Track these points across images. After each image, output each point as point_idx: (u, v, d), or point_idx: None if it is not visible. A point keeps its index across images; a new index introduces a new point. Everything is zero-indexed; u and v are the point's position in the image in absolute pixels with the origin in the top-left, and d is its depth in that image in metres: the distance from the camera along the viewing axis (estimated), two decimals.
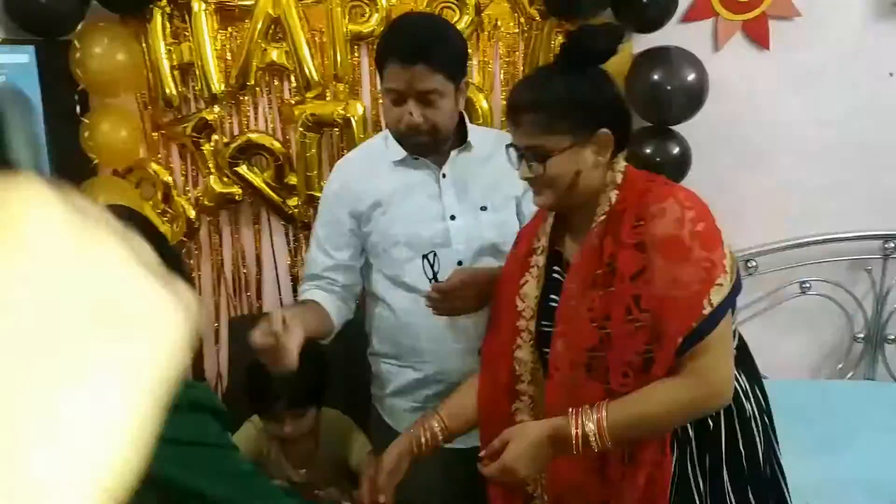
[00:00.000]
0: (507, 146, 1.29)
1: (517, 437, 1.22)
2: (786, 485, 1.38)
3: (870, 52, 2.26)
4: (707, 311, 1.14)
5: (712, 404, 1.22)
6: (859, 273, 2.40)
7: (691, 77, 2.11)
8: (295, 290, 2.47)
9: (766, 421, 1.35)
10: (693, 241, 1.14)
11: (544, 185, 1.25)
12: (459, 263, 1.58)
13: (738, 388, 1.28)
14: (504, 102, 2.26)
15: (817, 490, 1.91)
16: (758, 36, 2.26)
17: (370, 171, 1.63)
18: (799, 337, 2.48)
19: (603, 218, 1.22)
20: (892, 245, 2.34)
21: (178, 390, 0.91)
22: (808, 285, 2.39)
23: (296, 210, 2.35)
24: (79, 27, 2.16)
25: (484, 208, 1.60)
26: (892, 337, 2.43)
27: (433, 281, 1.49)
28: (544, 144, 1.22)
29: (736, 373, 1.26)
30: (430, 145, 1.56)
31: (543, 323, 1.32)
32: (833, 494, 1.94)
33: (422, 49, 1.45)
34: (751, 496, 1.28)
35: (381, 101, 2.23)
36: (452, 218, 1.59)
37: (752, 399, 1.31)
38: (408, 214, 1.59)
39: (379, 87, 2.12)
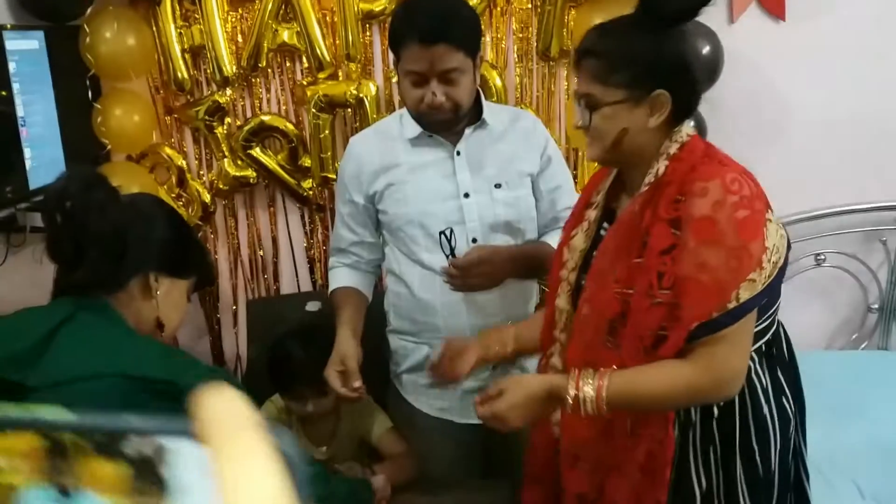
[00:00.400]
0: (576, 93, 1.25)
1: (514, 387, 1.23)
2: (808, 496, 1.35)
3: (886, 21, 2.23)
4: (732, 305, 1.10)
5: (715, 395, 1.19)
6: (874, 244, 2.40)
7: (706, 50, 2.10)
8: (312, 272, 2.49)
9: (791, 428, 1.29)
10: (728, 227, 1.09)
11: (592, 136, 1.21)
12: (474, 241, 1.59)
13: (759, 386, 1.23)
14: (517, 79, 2.27)
15: (831, 457, 1.93)
16: (773, 7, 2.23)
17: (384, 151, 1.63)
18: (814, 308, 2.49)
19: (647, 188, 1.18)
20: None
21: (200, 375, 0.92)
22: (822, 257, 2.39)
23: (310, 192, 2.35)
24: (88, 11, 2.14)
25: (498, 185, 1.60)
26: None
27: (450, 257, 1.51)
28: (596, 94, 1.18)
29: (760, 371, 1.23)
30: (452, 122, 1.57)
31: (584, 276, 1.31)
32: (846, 461, 1.96)
33: (442, 28, 1.44)
34: (762, 498, 1.25)
35: (394, 79, 2.22)
36: (466, 196, 1.59)
37: (773, 402, 1.26)
38: (421, 193, 1.59)
39: (391, 66, 2.12)
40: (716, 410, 1.23)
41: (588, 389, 1.15)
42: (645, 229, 1.16)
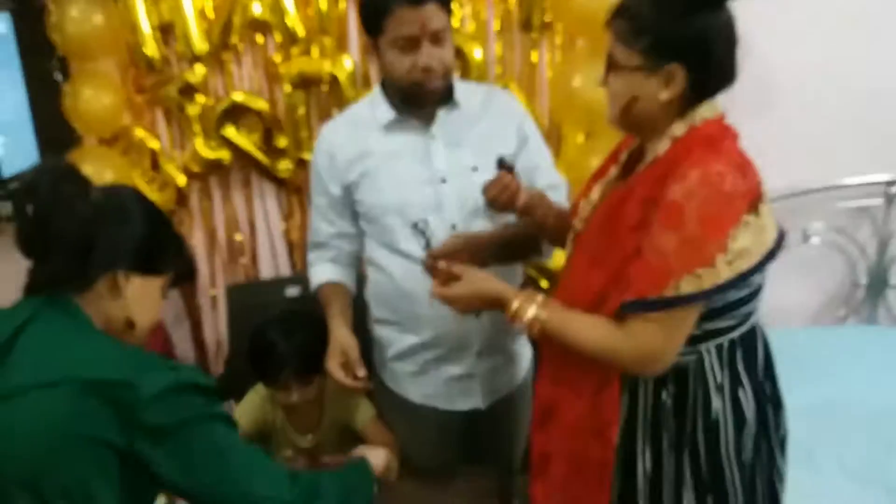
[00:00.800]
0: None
1: (468, 280, 1.30)
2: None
3: None
4: (670, 293, 1.10)
5: (633, 368, 1.20)
6: (862, 219, 2.37)
7: None
8: (291, 255, 2.44)
9: (746, 430, 1.25)
10: (692, 217, 1.08)
11: (609, 97, 1.21)
12: (453, 227, 1.54)
13: (713, 381, 1.22)
14: (498, 53, 2.21)
15: (817, 435, 1.91)
16: None
17: (356, 139, 1.57)
18: (801, 284, 2.46)
19: (644, 167, 1.19)
20: (895, 190, 2.30)
21: (159, 376, 0.88)
22: (809, 232, 2.36)
23: (287, 174, 2.30)
24: None
25: (475, 169, 1.54)
26: (895, 282, 2.41)
27: (427, 248, 1.46)
28: (615, 55, 1.17)
29: (717, 367, 1.22)
30: (443, 90, 1.52)
31: None
32: (831, 438, 1.95)
33: None
34: (707, 500, 1.24)
35: (370, 54, 2.16)
36: (444, 181, 1.54)
37: (726, 399, 1.23)
38: (397, 181, 1.54)
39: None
40: (667, 398, 1.22)
41: (529, 311, 1.22)
42: (621, 205, 1.17)
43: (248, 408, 1.88)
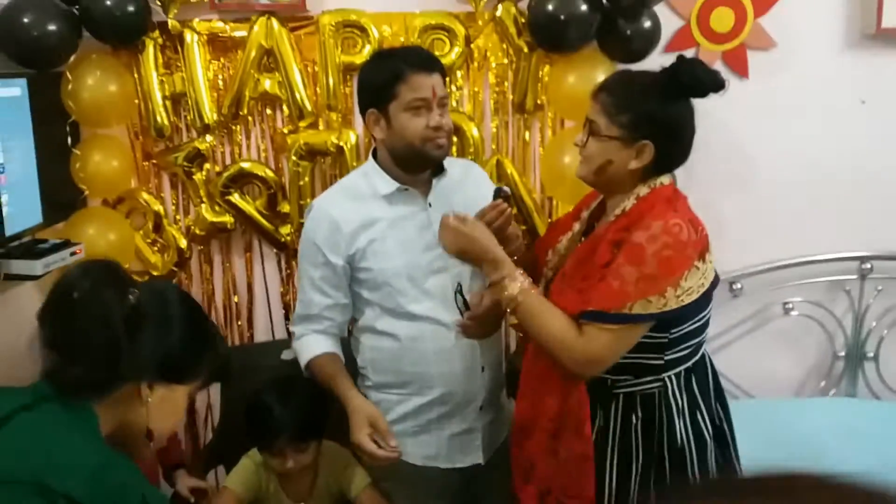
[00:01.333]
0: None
1: (471, 229, 1.42)
2: None
3: (842, 80, 2.36)
4: (624, 310, 1.30)
5: (574, 366, 1.36)
6: (838, 293, 2.48)
7: None
8: (287, 319, 2.48)
9: (709, 452, 1.43)
10: (653, 259, 1.28)
11: (584, 156, 1.41)
12: (459, 286, 1.62)
13: (675, 405, 1.40)
14: (493, 131, 2.34)
15: None
16: (737, 65, 2.35)
17: (359, 209, 1.65)
18: (783, 356, 2.55)
19: (613, 219, 1.38)
20: (868, 266, 2.42)
21: None
22: (790, 305, 2.46)
23: (288, 238, 2.36)
24: (72, 59, 2.17)
25: None
26: (871, 354, 2.50)
27: (465, 310, 1.56)
28: (598, 122, 1.37)
29: (678, 392, 1.41)
30: (448, 152, 1.66)
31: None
32: None
33: (434, 60, 1.64)
34: None
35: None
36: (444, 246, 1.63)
37: (688, 420, 1.41)
38: (404, 246, 1.62)
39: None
40: (637, 422, 1.40)
41: (513, 287, 1.37)
42: (595, 247, 1.37)
43: (242, 473, 1.86)
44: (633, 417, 1.40)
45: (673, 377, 1.41)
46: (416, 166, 1.65)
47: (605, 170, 1.38)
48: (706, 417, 1.45)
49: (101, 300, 1.03)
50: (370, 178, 1.67)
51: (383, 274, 1.63)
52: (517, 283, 1.37)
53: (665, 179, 1.40)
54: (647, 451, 1.40)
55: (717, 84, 1.38)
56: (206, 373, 1.17)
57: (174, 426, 1.15)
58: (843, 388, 2.54)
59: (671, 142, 1.37)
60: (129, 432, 1.05)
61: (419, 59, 1.59)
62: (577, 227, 1.54)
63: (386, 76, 1.59)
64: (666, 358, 1.39)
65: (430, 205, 1.66)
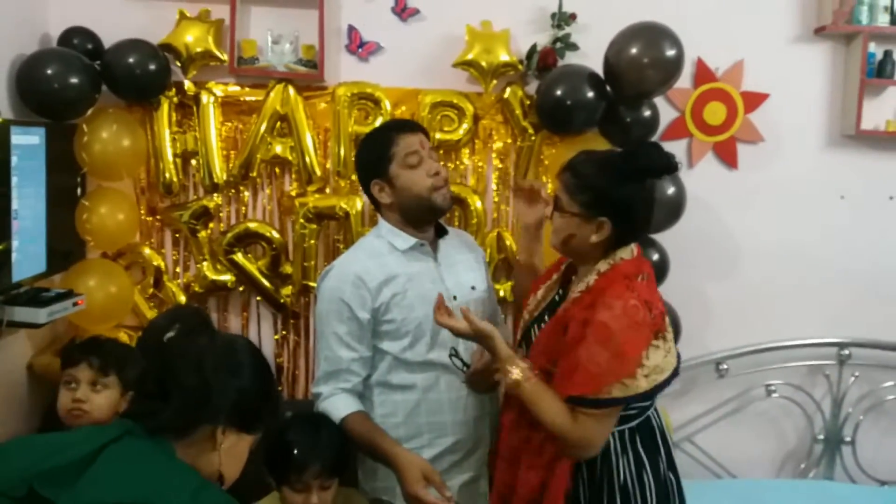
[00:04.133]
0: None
1: (483, 326, 1.49)
2: None
3: (824, 175, 2.52)
4: (604, 396, 1.40)
5: (572, 450, 1.45)
6: (818, 377, 2.57)
7: (671, 191, 2.30)
8: (279, 381, 2.47)
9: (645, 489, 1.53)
10: (617, 337, 1.38)
11: (552, 229, 1.54)
12: (453, 349, 1.71)
13: (617, 461, 1.50)
14: (495, 203, 2.42)
15: None
16: (727, 156, 2.48)
17: (381, 266, 1.73)
18: (765, 437, 2.61)
19: (578, 295, 1.49)
20: (846, 352, 2.52)
21: None
22: (772, 387, 2.54)
23: (288, 299, 2.38)
24: (89, 112, 2.20)
25: (473, 287, 1.81)
26: (848, 439, 2.58)
27: (466, 369, 1.66)
28: (561, 199, 1.50)
29: (619, 449, 1.50)
30: (450, 200, 1.78)
31: (533, 326, 1.63)
32: None
33: (415, 122, 1.89)
34: None
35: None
36: (455, 298, 1.74)
37: (633, 474, 1.51)
38: (423, 298, 1.71)
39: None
40: (581, 482, 1.50)
41: (516, 372, 1.46)
42: (566, 324, 1.47)
43: None
44: (578, 477, 1.49)
45: (616, 433, 1.50)
46: (425, 219, 1.77)
47: (569, 242, 1.51)
48: (651, 477, 1.53)
49: (193, 344, 1.09)
50: (386, 238, 1.77)
51: (406, 324, 1.71)
52: (517, 370, 1.46)
53: (625, 254, 1.50)
54: None
55: (670, 166, 1.47)
56: (268, 425, 1.21)
57: (236, 476, 1.16)
58: (822, 471, 2.61)
59: (626, 219, 1.48)
60: (201, 473, 1.08)
61: (401, 124, 1.82)
62: (554, 276, 1.67)
63: (379, 146, 1.75)
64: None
65: (439, 262, 1.79)
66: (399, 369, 1.72)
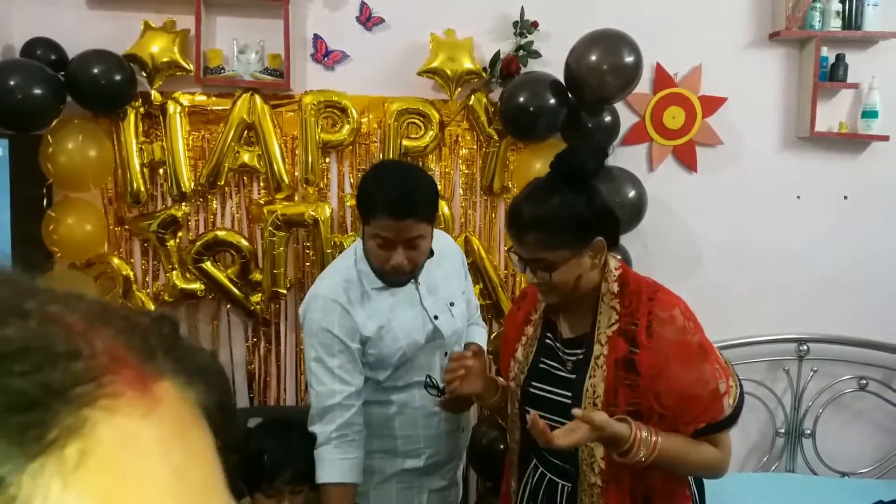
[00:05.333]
0: (508, 251, 1.44)
1: (608, 426, 1.29)
2: None
3: (780, 176, 2.59)
4: (728, 411, 1.35)
5: (721, 472, 1.42)
6: (778, 372, 2.65)
7: (632, 194, 2.35)
8: (250, 388, 2.49)
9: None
10: (699, 349, 1.34)
11: (550, 288, 1.38)
12: (428, 377, 1.72)
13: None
14: (462, 208, 2.45)
15: None
16: (686, 159, 2.55)
17: (361, 300, 1.70)
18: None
19: (614, 328, 1.37)
20: (805, 347, 2.60)
21: None
22: None
23: (258, 306, 2.40)
24: (53, 123, 2.20)
25: (452, 304, 1.78)
26: (809, 432, 2.66)
27: (441, 394, 1.66)
28: (548, 258, 1.34)
29: None
30: (411, 276, 1.70)
31: (532, 383, 1.47)
32: None
33: (410, 206, 1.56)
34: None
35: (348, 203, 2.37)
36: (436, 318, 1.73)
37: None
38: (406, 329, 1.70)
39: (345, 190, 2.37)
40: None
41: (645, 436, 1.30)
42: (625, 356, 1.35)
43: None
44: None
45: None
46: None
47: (579, 285, 1.38)
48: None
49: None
50: (360, 270, 1.71)
51: (391, 356, 1.69)
52: (642, 431, 1.31)
53: (615, 264, 1.43)
54: None
55: (602, 157, 1.40)
56: (227, 435, 1.22)
57: None
58: (784, 464, 2.68)
59: (611, 223, 1.40)
60: None
61: (394, 204, 1.56)
62: (530, 330, 1.53)
63: (364, 200, 1.62)
64: None
65: (419, 284, 1.74)
66: (378, 390, 1.74)
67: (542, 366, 1.47)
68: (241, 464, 1.76)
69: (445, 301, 1.77)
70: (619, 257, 1.47)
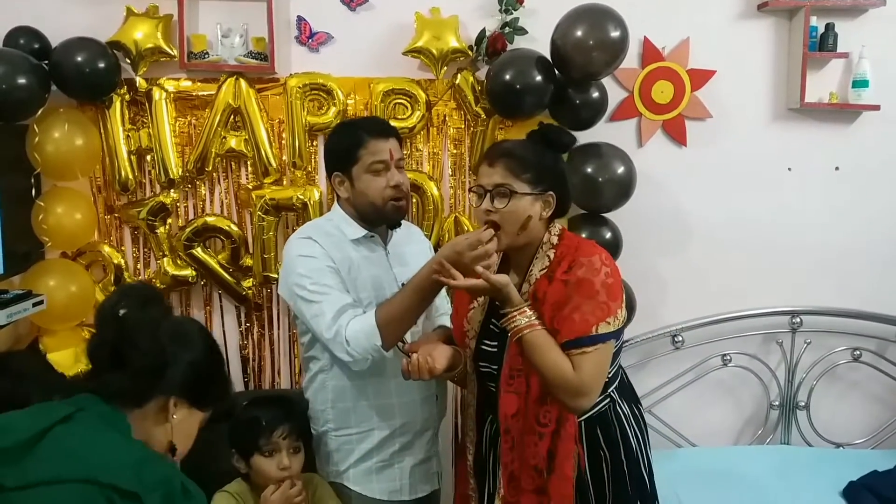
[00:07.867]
0: (470, 189, 1.59)
1: (507, 284, 1.51)
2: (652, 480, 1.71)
3: (771, 148, 2.57)
4: (592, 333, 1.49)
5: (569, 398, 1.50)
6: (771, 345, 2.65)
7: (621, 170, 2.34)
8: (245, 372, 2.50)
9: (640, 432, 1.69)
10: (601, 288, 1.49)
11: (503, 222, 1.54)
12: (402, 341, 1.74)
13: (622, 413, 1.63)
14: (452, 188, 2.45)
15: None
16: (676, 134, 2.54)
17: (336, 245, 1.78)
18: (722, 405, 2.69)
19: (544, 271, 1.56)
20: (798, 320, 2.60)
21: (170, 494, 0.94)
22: (728, 357, 2.61)
23: (250, 291, 2.41)
24: (39, 112, 2.20)
25: None
26: (803, 404, 2.67)
27: (408, 356, 1.68)
28: (512, 184, 1.54)
29: (620, 401, 1.64)
30: (407, 209, 1.83)
31: (485, 341, 1.65)
32: None
33: (390, 127, 1.83)
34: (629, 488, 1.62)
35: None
36: (402, 285, 1.75)
37: (633, 426, 1.65)
38: (373, 282, 1.78)
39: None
40: (602, 443, 1.60)
41: (522, 319, 1.50)
42: (543, 293, 1.54)
43: None
44: (600, 442, 1.59)
45: (615, 390, 1.63)
46: (376, 223, 1.82)
47: (527, 227, 1.55)
48: (637, 415, 1.68)
49: (146, 315, 1.16)
50: (338, 224, 1.81)
51: (360, 302, 1.73)
52: (524, 317, 1.50)
53: (558, 225, 1.63)
54: (616, 467, 1.60)
55: (571, 141, 1.65)
56: (217, 405, 1.26)
57: (186, 451, 1.22)
58: (779, 436, 2.69)
59: (563, 188, 1.60)
60: (155, 445, 1.15)
61: (376, 127, 1.79)
62: (479, 299, 1.70)
63: (348, 143, 1.77)
64: (611, 373, 1.59)
65: (388, 251, 1.85)
66: None
67: (491, 326, 1.65)
68: (236, 432, 1.79)
69: (414, 272, 1.79)
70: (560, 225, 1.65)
